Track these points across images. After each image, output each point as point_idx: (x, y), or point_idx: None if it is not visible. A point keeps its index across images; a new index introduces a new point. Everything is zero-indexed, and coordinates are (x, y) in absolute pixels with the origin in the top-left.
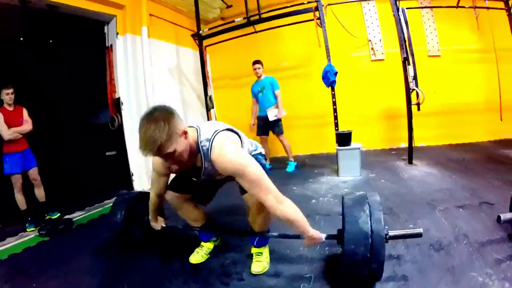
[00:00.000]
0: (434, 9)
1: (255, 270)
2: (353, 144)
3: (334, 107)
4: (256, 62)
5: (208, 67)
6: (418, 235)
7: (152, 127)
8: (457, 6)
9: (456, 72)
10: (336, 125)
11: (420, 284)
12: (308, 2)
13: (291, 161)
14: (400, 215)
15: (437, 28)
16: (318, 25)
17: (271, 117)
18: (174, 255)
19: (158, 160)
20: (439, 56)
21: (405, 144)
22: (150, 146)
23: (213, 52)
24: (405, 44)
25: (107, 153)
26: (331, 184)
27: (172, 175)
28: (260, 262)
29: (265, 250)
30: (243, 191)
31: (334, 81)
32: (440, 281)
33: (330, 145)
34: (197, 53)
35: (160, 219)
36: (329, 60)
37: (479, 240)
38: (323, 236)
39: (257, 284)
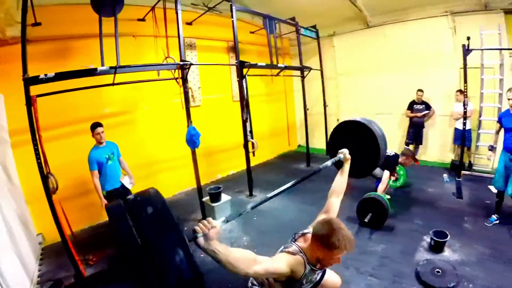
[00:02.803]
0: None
1: None
2: (224, 197)
3: None
4: (98, 124)
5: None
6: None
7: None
8: (277, 74)
9: (254, 109)
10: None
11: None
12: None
13: None
14: None
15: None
16: (179, 84)
17: (129, 185)
18: None
19: None
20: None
21: (220, 175)
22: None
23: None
24: (246, 105)
25: None
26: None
27: None
28: None
29: None
30: None
31: (198, 144)
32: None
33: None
34: None
35: None
36: (190, 122)
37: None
38: None
39: None
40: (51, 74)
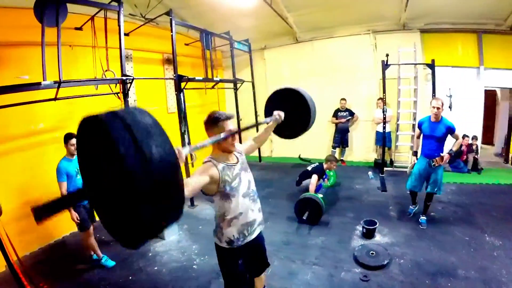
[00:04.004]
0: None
1: None
2: None
3: None
4: (73, 135)
5: None
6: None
7: None
8: (212, 87)
9: (190, 120)
10: None
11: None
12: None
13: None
14: None
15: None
16: (120, 99)
17: None
18: None
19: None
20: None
21: None
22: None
23: None
24: (184, 118)
25: None
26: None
27: None
28: None
29: None
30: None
31: None
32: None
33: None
34: None
35: None
36: None
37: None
38: None
39: None
40: None
